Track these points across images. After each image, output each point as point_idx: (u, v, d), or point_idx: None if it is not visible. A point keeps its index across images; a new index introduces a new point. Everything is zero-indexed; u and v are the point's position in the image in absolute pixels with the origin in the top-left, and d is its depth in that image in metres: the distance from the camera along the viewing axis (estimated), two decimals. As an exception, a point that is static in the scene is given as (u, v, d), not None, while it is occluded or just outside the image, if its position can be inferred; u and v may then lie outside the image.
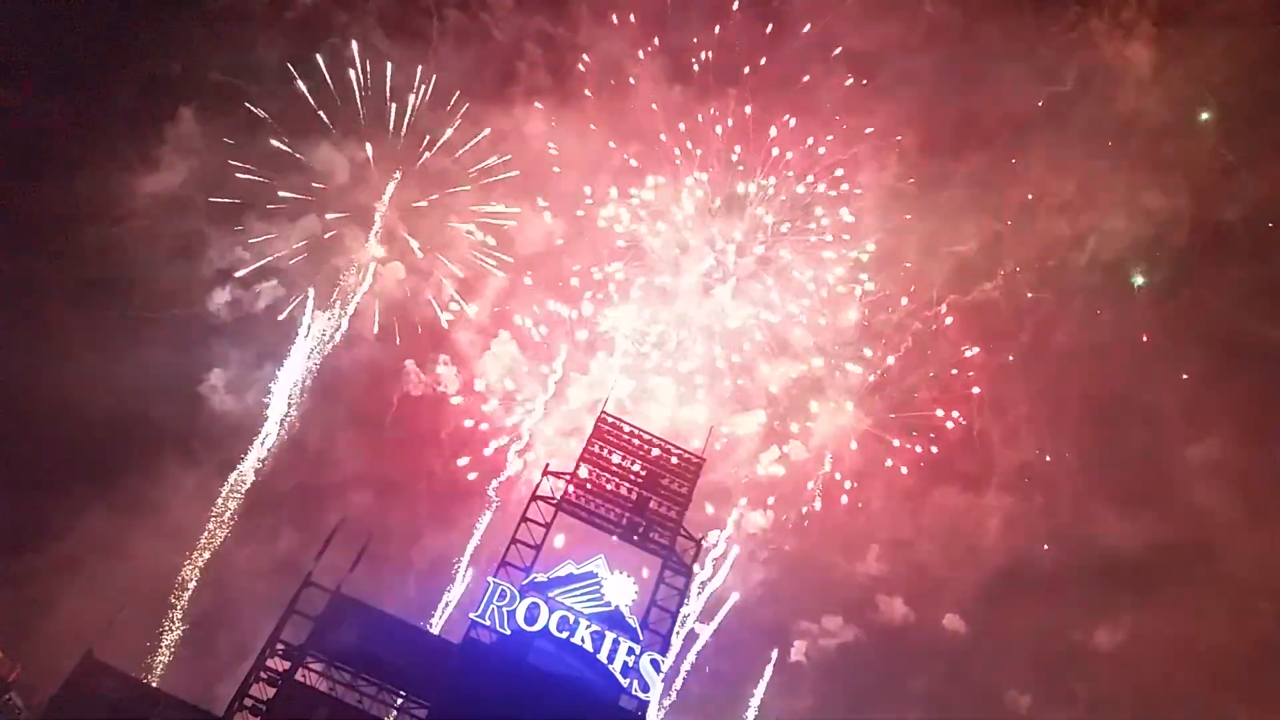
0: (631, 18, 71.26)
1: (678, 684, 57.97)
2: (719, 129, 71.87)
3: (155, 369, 56.95)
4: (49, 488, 52.65)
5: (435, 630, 51.24)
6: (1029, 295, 73.06)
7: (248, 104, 62.39)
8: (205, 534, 54.21)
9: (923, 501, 70.88)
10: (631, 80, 71.38)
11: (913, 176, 72.30)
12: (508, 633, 36.48)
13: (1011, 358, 72.92)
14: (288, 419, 60.01)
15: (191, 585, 53.23)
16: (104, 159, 59.66)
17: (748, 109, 71.90)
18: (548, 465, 41.48)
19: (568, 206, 68.84)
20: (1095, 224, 72.70)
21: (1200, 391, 71.39)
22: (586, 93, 70.38)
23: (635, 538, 41.04)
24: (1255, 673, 64.78)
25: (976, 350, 71.73)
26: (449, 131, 66.06)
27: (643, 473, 41.68)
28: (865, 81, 72.77)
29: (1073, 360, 72.73)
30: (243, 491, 56.05)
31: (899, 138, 72.11)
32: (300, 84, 63.08)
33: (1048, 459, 72.10)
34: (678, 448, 42.69)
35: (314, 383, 61.68)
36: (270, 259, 62.48)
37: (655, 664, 37.56)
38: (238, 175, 61.97)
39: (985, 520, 70.78)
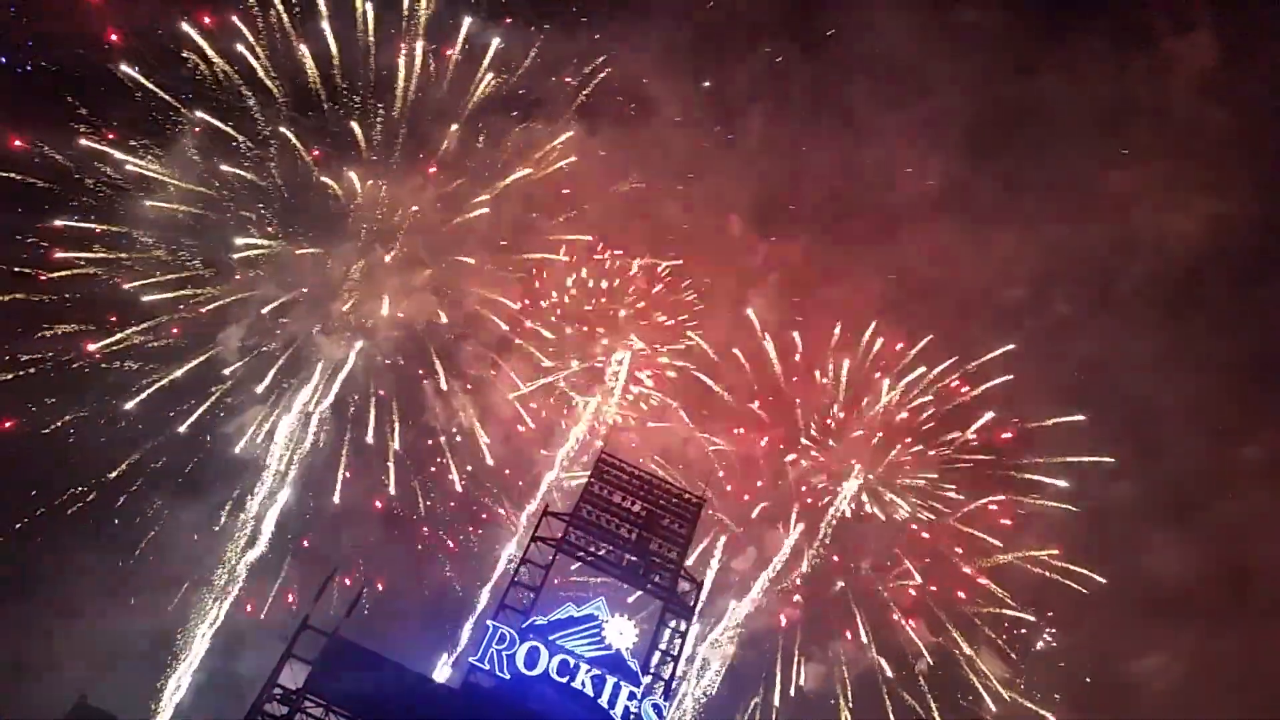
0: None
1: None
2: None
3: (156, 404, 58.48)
4: (43, 532, 53.90)
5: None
6: (1076, 302, 74.04)
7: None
8: (209, 575, 55.53)
9: (955, 514, 71.32)
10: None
11: (952, 180, 74.02)
12: (507, 677, 36.83)
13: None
14: (294, 454, 61.34)
15: (195, 628, 54.47)
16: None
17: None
18: (546, 506, 42.43)
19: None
20: (1148, 228, 73.68)
21: (1256, 402, 71.74)
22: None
23: (636, 579, 41.72)
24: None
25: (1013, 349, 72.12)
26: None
27: (643, 513, 42.24)
28: (885, 77, 74.87)
29: (1123, 369, 73.29)
30: (247, 530, 57.41)
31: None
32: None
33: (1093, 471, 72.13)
34: (678, 488, 43.50)
35: (323, 416, 63.04)
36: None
37: (657, 708, 37.89)
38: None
39: (1021, 535, 70.95)
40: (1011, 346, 70.86)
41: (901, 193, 78.95)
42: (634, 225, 73.82)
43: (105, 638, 47.17)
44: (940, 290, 77.16)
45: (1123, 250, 76.35)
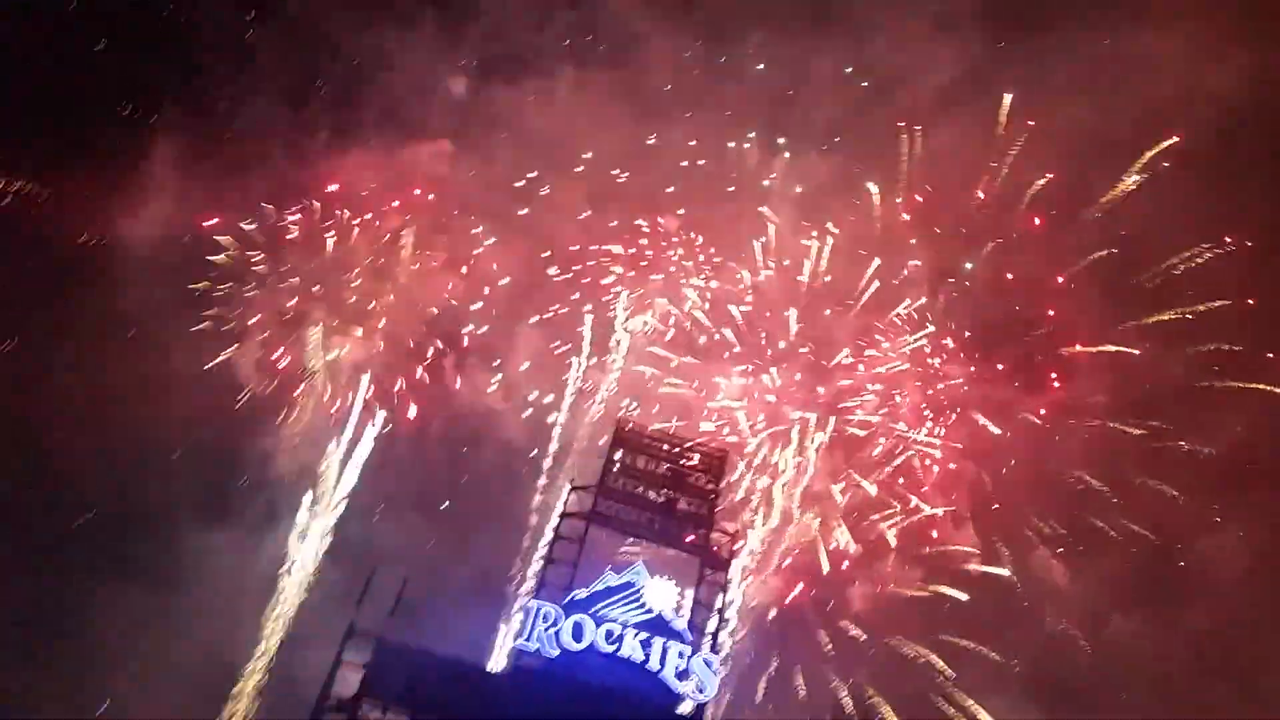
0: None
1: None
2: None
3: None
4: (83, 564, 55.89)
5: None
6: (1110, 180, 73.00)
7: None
8: (256, 595, 57.63)
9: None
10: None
11: (968, 70, 72.90)
12: (556, 654, 38.30)
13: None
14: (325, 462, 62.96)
15: (253, 649, 56.61)
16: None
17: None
18: (572, 480, 43.60)
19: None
20: (1180, 91, 71.92)
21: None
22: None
23: (669, 540, 42.81)
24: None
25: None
26: None
27: (668, 474, 43.44)
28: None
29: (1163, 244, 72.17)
30: (288, 545, 59.32)
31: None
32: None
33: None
34: (701, 444, 44.46)
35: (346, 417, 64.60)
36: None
37: (708, 664, 39.31)
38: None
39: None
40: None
41: (917, 91, 77.27)
42: (642, 167, 73.55)
43: (160, 673, 49.08)
44: (966, 188, 75.92)
45: (1156, 119, 74.49)
